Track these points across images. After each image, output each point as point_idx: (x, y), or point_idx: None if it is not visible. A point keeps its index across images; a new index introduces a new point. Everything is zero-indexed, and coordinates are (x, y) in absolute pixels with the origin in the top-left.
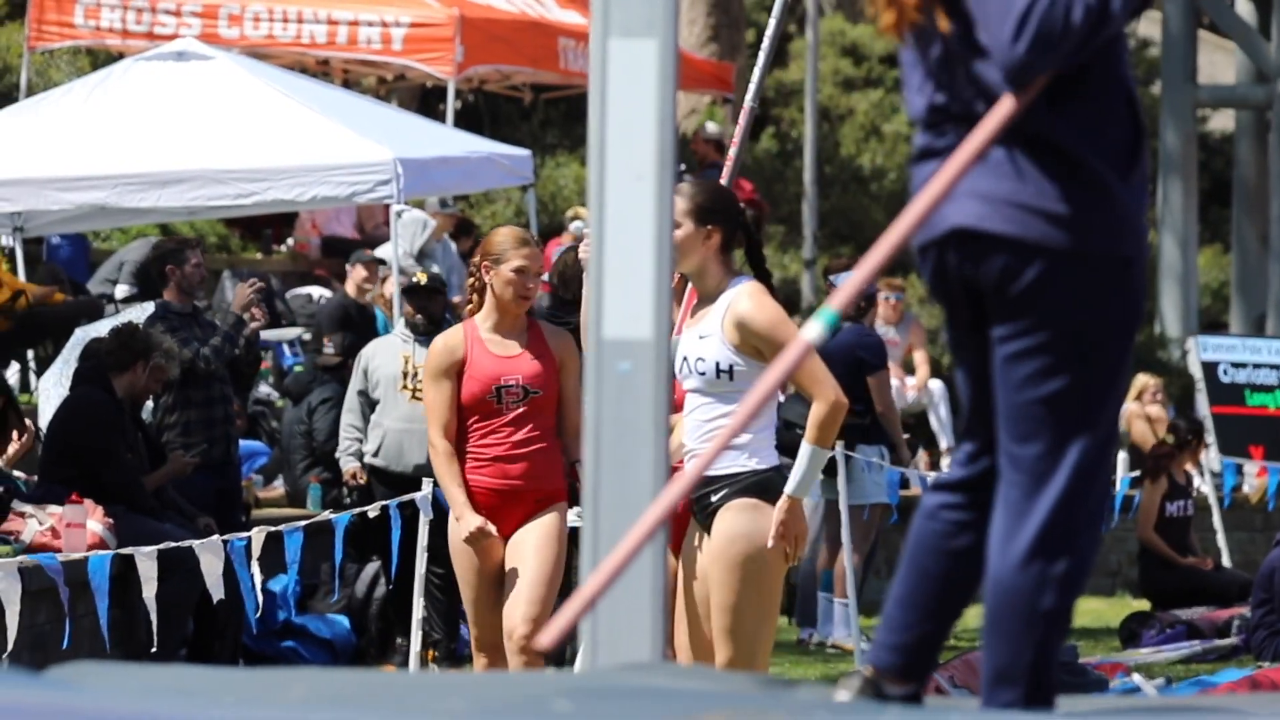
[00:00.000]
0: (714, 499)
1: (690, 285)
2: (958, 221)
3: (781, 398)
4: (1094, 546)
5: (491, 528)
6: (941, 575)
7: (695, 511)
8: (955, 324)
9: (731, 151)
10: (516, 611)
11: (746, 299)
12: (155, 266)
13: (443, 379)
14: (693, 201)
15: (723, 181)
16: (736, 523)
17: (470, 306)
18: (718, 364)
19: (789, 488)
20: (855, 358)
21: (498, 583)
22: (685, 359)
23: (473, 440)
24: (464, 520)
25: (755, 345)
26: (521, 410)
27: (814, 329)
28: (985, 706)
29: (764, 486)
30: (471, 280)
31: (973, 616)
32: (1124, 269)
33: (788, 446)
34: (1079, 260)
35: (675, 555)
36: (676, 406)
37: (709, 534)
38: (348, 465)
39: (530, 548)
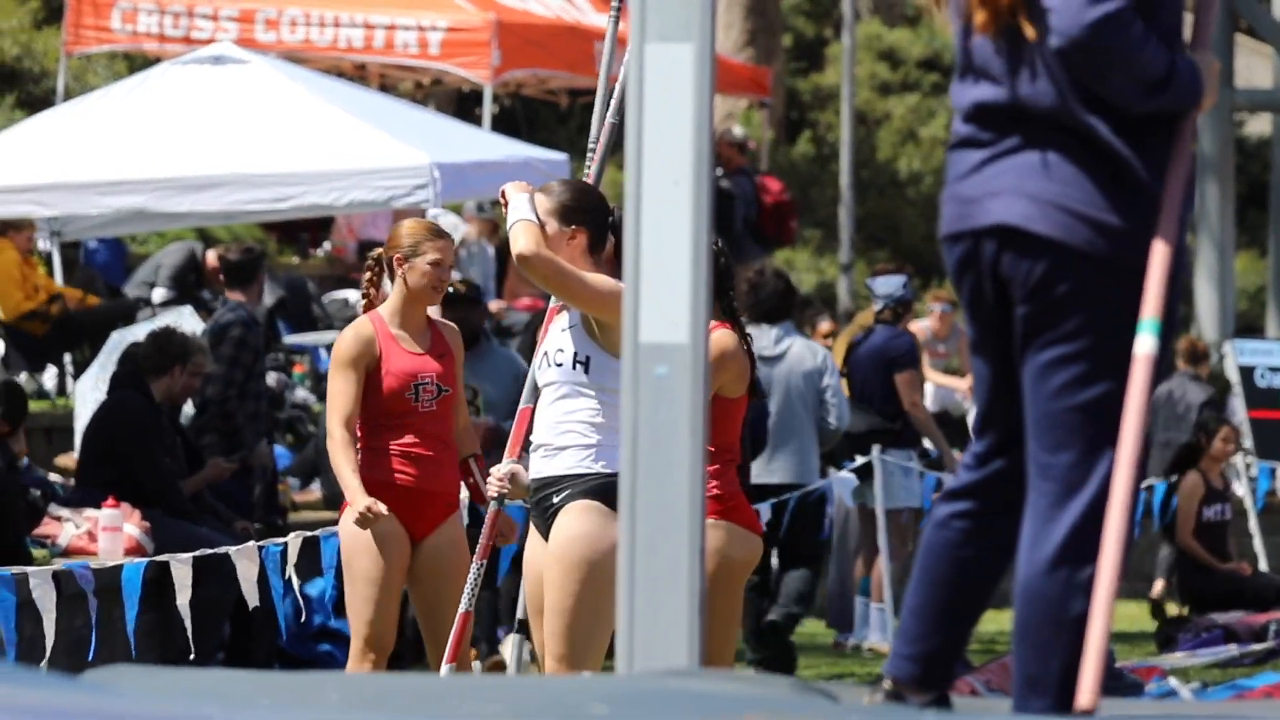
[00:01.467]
0: (555, 500)
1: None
2: (1004, 218)
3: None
4: (1125, 553)
5: (382, 507)
6: (956, 583)
7: (534, 512)
8: (977, 318)
9: (595, 163)
10: (434, 655)
11: None
12: (251, 268)
13: (351, 370)
14: (557, 201)
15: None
16: (576, 525)
17: (366, 301)
18: (575, 354)
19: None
20: (886, 358)
21: (395, 587)
22: (546, 353)
23: (387, 440)
24: (358, 502)
25: (603, 330)
26: (434, 410)
27: (1146, 342)
28: (1016, 710)
29: (609, 490)
30: (369, 275)
31: (1009, 621)
32: (1171, 279)
33: (834, 456)
34: (1121, 270)
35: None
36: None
37: (546, 536)
38: None
39: (445, 581)
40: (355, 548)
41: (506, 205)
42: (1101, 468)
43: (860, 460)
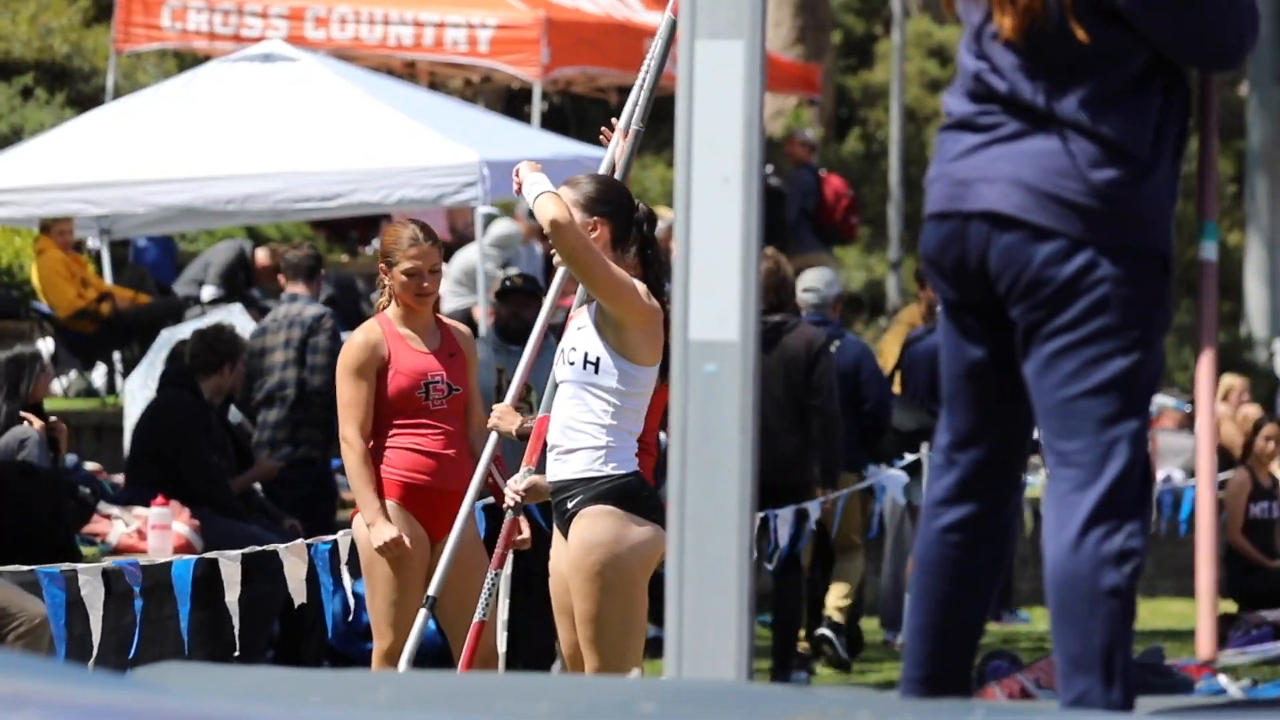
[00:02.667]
0: (570, 505)
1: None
2: (997, 206)
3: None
4: (1147, 525)
5: (406, 540)
6: (959, 597)
7: (554, 515)
8: (954, 296)
9: (619, 169)
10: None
11: None
12: (316, 264)
13: (360, 375)
14: (582, 192)
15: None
16: (592, 531)
17: (381, 301)
18: (586, 354)
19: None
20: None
21: (418, 589)
22: (562, 350)
23: (400, 439)
24: (378, 528)
25: (614, 331)
26: (445, 408)
27: (1209, 249)
28: (1062, 698)
29: (621, 492)
30: (382, 277)
31: None
32: (1163, 265)
33: (884, 453)
34: (1122, 251)
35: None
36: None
37: (566, 539)
38: None
39: (467, 580)
40: (375, 552)
41: (520, 185)
42: (1122, 445)
43: (910, 458)
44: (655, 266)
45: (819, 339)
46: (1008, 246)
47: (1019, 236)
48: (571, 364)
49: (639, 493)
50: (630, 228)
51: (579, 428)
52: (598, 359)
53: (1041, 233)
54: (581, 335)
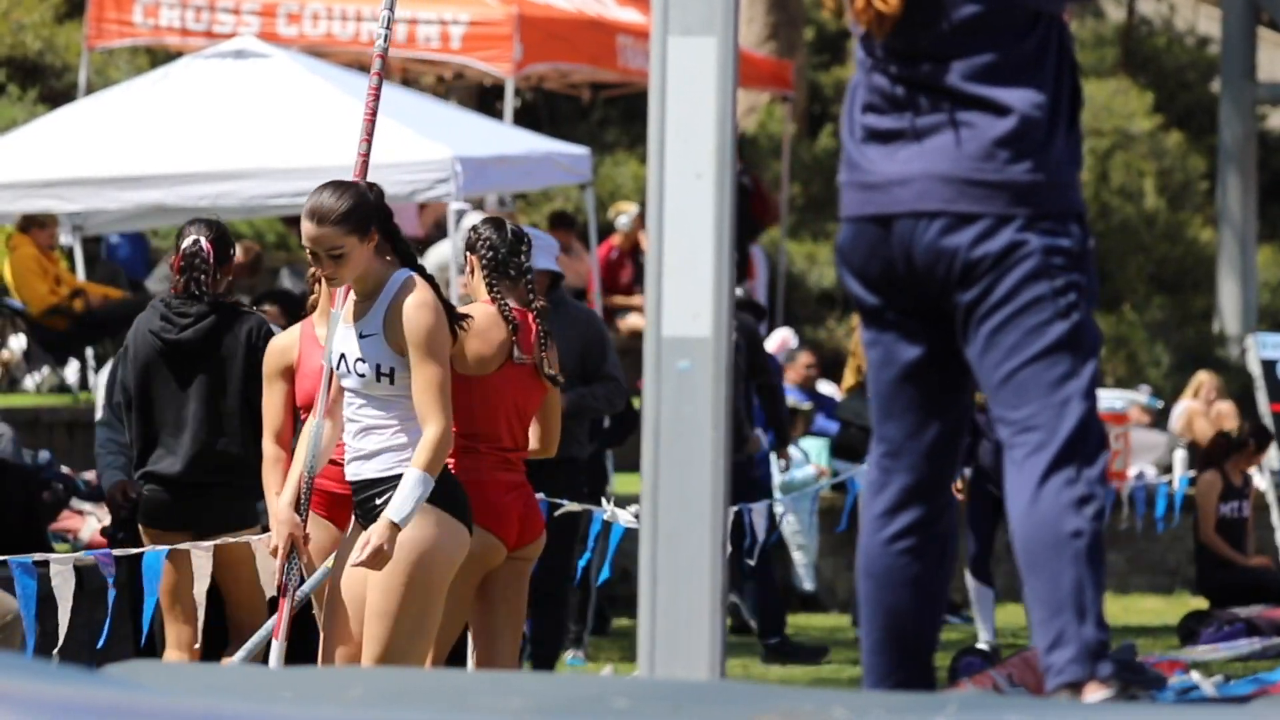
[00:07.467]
0: (378, 502)
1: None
2: (919, 205)
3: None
4: (1105, 473)
5: (277, 547)
6: (914, 605)
7: (358, 512)
8: (882, 305)
9: (362, 147)
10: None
11: (409, 295)
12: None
13: (276, 382)
14: (344, 215)
15: (355, 178)
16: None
17: (313, 297)
18: (378, 366)
19: (390, 512)
20: None
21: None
22: (344, 357)
23: None
24: (272, 533)
25: (403, 343)
26: None
27: None
28: (1040, 645)
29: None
30: (313, 270)
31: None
32: (1081, 224)
33: (847, 446)
34: (1045, 221)
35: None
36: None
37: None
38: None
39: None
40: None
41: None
42: (1074, 402)
43: None
44: (400, 238)
45: (751, 323)
46: (933, 240)
47: (943, 227)
48: (361, 375)
49: (446, 490)
50: (382, 216)
51: (374, 431)
52: (391, 369)
53: (965, 218)
54: (369, 345)
